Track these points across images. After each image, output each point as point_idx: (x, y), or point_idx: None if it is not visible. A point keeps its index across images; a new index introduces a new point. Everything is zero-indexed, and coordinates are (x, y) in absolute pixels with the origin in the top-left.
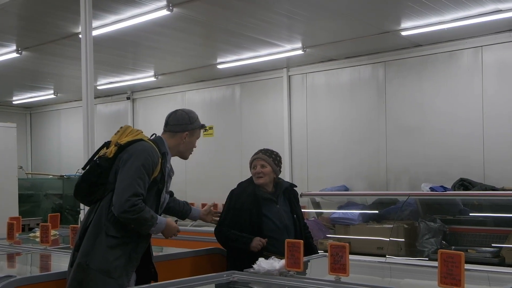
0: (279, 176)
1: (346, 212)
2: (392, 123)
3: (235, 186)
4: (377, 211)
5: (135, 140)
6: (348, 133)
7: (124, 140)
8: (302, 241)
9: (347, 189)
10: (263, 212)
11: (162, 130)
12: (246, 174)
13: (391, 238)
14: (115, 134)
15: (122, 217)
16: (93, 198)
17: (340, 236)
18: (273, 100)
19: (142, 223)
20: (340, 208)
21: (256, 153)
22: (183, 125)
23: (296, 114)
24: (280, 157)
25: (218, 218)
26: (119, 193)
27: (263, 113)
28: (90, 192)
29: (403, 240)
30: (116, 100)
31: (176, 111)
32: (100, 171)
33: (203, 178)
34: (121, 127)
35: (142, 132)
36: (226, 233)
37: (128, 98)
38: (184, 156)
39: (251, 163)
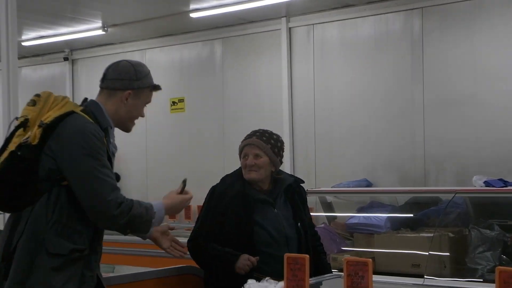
0: (280, 168)
1: (369, 216)
2: (432, 94)
3: (217, 182)
4: (411, 215)
5: (63, 115)
6: (370, 107)
7: (48, 117)
8: (307, 256)
9: (369, 185)
10: (255, 219)
11: None
12: (230, 166)
13: (431, 252)
14: (29, 105)
15: (114, 227)
16: (17, 203)
17: (360, 250)
18: (268, 62)
19: (139, 222)
20: (360, 210)
21: (248, 136)
22: (125, 81)
23: (299, 82)
24: (282, 143)
25: (179, 251)
26: (93, 200)
27: (253, 80)
28: (13, 196)
29: (448, 254)
30: (49, 61)
31: (119, 62)
32: (24, 166)
33: (171, 171)
34: (38, 96)
35: (69, 99)
36: (203, 247)
37: (65, 59)
38: (125, 126)
39: (240, 150)
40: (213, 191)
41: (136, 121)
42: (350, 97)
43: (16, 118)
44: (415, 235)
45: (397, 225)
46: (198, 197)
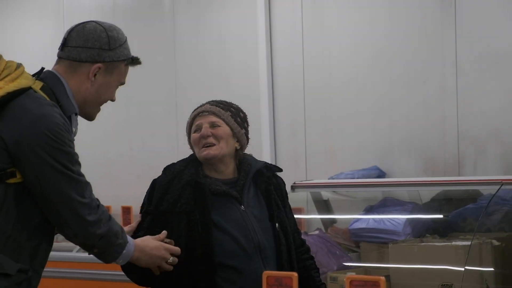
0: (245, 149)
1: (381, 219)
2: (468, 47)
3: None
4: (440, 215)
5: (18, 92)
6: (383, 69)
7: (0, 89)
8: (295, 274)
9: (382, 175)
10: (213, 220)
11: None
12: (186, 149)
13: (467, 267)
14: None
15: (83, 239)
16: None
17: (369, 265)
18: (237, 4)
19: (112, 242)
20: (369, 211)
21: (200, 106)
22: (94, 50)
23: (281, 33)
24: (244, 114)
25: (171, 262)
26: (62, 204)
27: (217, 31)
28: None
29: (492, 269)
30: None
31: (85, 23)
32: None
33: (104, 157)
34: None
35: (24, 69)
36: None
37: None
38: (88, 112)
39: (190, 124)
40: (154, 185)
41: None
42: (354, 55)
43: None
44: (445, 244)
45: (421, 230)
46: (141, 193)
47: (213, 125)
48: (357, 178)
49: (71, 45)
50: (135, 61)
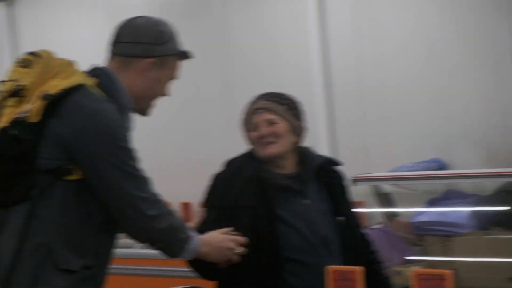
0: (303, 142)
1: (445, 212)
2: None
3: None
4: (504, 207)
5: (72, 88)
6: (443, 56)
7: (54, 87)
8: (360, 268)
9: (444, 167)
10: (279, 214)
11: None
12: (241, 146)
13: None
14: (21, 67)
15: (147, 234)
16: (1, 200)
17: (434, 259)
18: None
19: (174, 237)
20: (432, 204)
21: (254, 102)
22: (145, 45)
23: (334, 21)
24: (298, 103)
25: (239, 252)
26: (123, 200)
27: (269, 23)
28: None
29: None
30: None
31: (135, 19)
32: (19, 151)
33: (157, 155)
34: (35, 55)
35: (77, 66)
36: None
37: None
38: (141, 108)
39: (246, 122)
40: (216, 180)
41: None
42: (412, 42)
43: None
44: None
45: (486, 223)
46: (201, 189)
47: (270, 123)
48: (418, 170)
49: (122, 40)
50: (187, 55)
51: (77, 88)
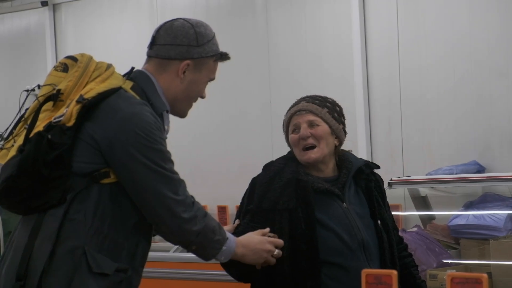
0: (342, 146)
1: (482, 215)
2: None
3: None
4: None
5: (109, 92)
6: (482, 59)
7: (90, 91)
8: (394, 271)
9: (482, 170)
10: (317, 217)
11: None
12: (281, 148)
13: None
14: (58, 70)
15: (182, 237)
16: (39, 202)
17: (471, 262)
18: (332, 1)
19: (210, 238)
20: (469, 207)
21: (296, 103)
22: (182, 47)
23: (376, 25)
24: (340, 107)
25: (276, 254)
26: (158, 203)
27: (311, 25)
28: (32, 194)
29: None
30: (22, 7)
31: (174, 21)
32: (55, 155)
33: (198, 158)
34: (73, 59)
35: (115, 69)
36: None
37: (44, 4)
38: (179, 109)
39: (287, 124)
40: (254, 183)
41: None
42: (451, 45)
43: (38, 87)
44: None
45: None
46: (237, 193)
47: (311, 124)
48: (456, 173)
49: (160, 43)
50: (224, 56)
51: (113, 92)
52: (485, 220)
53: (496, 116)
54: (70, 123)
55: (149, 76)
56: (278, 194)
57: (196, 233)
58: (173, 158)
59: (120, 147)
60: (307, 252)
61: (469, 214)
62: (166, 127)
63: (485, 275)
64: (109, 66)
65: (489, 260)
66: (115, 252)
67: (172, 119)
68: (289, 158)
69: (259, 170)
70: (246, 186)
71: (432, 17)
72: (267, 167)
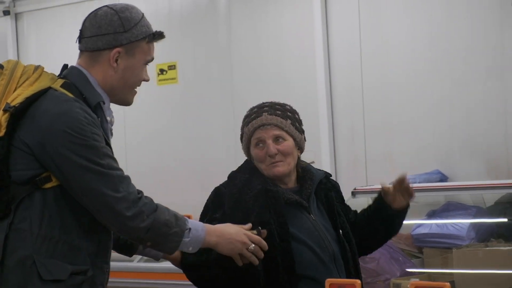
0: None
1: (444, 224)
2: None
3: (224, 179)
4: (505, 219)
5: (37, 94)
6: (443, 67)
7: (17, 97)
8: (358, 281)
9: (444, 179)
10: (290, 231)
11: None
12: (243, 155)
13: None
14: None
15: (131, 234)
16: None
17: (433, 271)
18: (292, 6)
19: (164, 233)
20: (432, 216)
21: (255, 114)
22: (109, 35)
23: (339, 33)
24: (298, 114)
25: (252, 250)
26: (98, 202)
27: (273, 33)
28: None
29: None
30: None
31: (98, 10)
32: None
33: (160, 166)
34: (1, 67)
35: (43, 70)
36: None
37: (6, 13)
38: (121, 98)
39: (249, 136)
40: (221, 193)
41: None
42: (413, 53)
43: None
44: (511, 249)
45: (485, 234)
46: (199, 200)
47: (277, 139)
48: (419, 182)
49: (87, 35)
50: (157, 35)
51: (41, 94)
52: (448, 229)
53: (456, 125)
54: (1, 134)
55: (81, 70)
56: (250, 205)
57: (145, 229)
58: (136, 167)
59: (51, 149)
60: (283, 267)
61: (432, 223)
62: (108, 118)
63: (448, 284)
64: (37, 67)
65: (452, 268)
66: (71, 255)
67: (125, 137)
68: (251, 168)
69: (221, 179)
70: (208, 194)
71: (393, 27)
72: (233, 177)
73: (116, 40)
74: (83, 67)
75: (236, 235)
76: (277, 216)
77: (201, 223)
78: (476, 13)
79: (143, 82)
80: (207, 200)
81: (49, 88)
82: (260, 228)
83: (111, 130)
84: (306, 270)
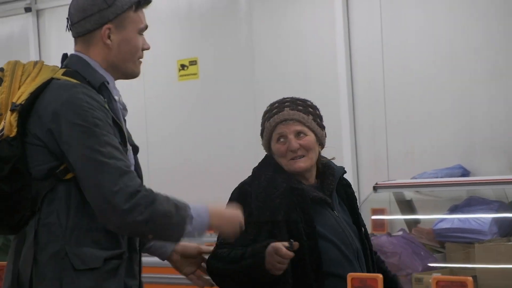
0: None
1: (467, 219)
2: None
3: (246, 177)
4: None
5: (40, 88)
6: (465, 65)
7: (21, 95)
8: (380, 275)
9: (466, 174)
10: (316, 227)
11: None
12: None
13: None
14: None
15: (129, 229)
16: (13, 221)
17: (455, 265)
18: (314, 5)
19: (165, 224)
20: (454, 210)
21: (277, 109)
22: (95, 15)
23: (360, 32)
24: (319, 110)
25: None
26: (93, 193)
27: (294, 32)
28: (4, 214)
29: None
30: (6, 14)
31: None
32: (10, 169)
33: (180, 163)
34: (1, 70)
35: (43, 64)
36: (223, 258)
37: (27, 10)
38: (126, 72)
39: (270, 132)
40: (245, 190)
41: (131, 93)
42: (434, 50)
43: None
44: None
45: (508, 229)
46: (219, 196)
47: (298, 134)
48: (441, 177)
49: (74, 21)
50: (143, 2)
51: (44, 86)
52: (470, 223)
53: (478, 120)
54: (13, 134)
55: (80, 56)
56: (277, 204)
57: (144, 222)
58: (157, 164)
59: (59, 141)
60: (310, 264)
61: (454, 218)
62: (116, 97)
63: (470, 278)
64: (36, 63)
65: (474, 263)
66: (102, 241)
67: (147, 133)
68: (275, 164)
69: (241, 174)
70: (229, 190)
71: (415, 24)
72: (257, 175)
73: (103, 17)
74: (81, 52)
75: (234, 215)
76: (304, 214)
77: (203, 205)
78: (497, 12)
79: (164, 80)
80: (231, 197)
81: (52, 79)
82: (292, 241)
83: (121, 109)
84: (332, 267)
